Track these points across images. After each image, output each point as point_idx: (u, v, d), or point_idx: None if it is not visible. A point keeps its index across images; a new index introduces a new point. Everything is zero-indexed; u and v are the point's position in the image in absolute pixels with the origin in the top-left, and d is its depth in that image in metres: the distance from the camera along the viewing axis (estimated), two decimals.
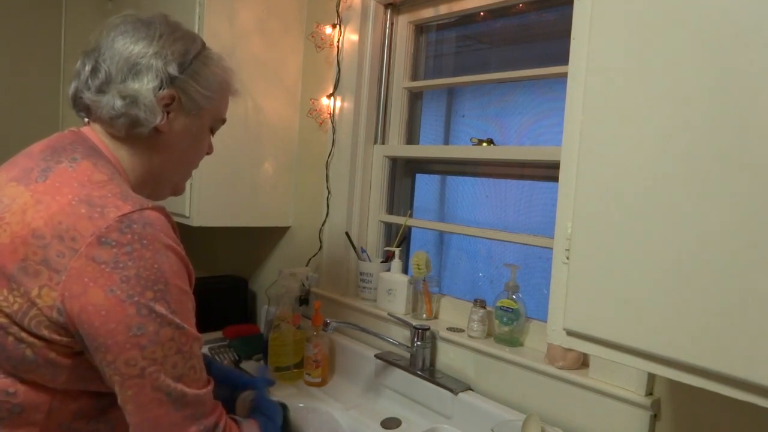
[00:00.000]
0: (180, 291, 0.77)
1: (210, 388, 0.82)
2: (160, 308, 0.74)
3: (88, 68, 0.86)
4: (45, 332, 0.73)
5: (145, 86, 0.84)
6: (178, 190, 1.00)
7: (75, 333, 0.73)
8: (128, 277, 0.72)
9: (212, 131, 0.99)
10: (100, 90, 0.84)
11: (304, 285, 1.72)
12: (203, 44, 0.93)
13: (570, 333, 0.75)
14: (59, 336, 0.73)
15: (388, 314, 1.46)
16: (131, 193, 0.79)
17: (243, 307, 1.98)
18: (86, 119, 0.90)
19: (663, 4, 0.64)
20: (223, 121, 1.00)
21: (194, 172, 1.03)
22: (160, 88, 0.85)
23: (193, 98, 0.90)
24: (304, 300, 1.72)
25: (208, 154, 1.01)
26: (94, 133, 0.87)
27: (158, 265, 0.74)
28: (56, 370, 0.75)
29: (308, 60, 1.81)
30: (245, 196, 1.75)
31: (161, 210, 0.79)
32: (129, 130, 0.86)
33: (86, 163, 0.80)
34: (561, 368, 1.13)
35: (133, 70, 0.84)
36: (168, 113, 0.87)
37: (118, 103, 0.83)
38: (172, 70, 0.86)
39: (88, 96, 0.85)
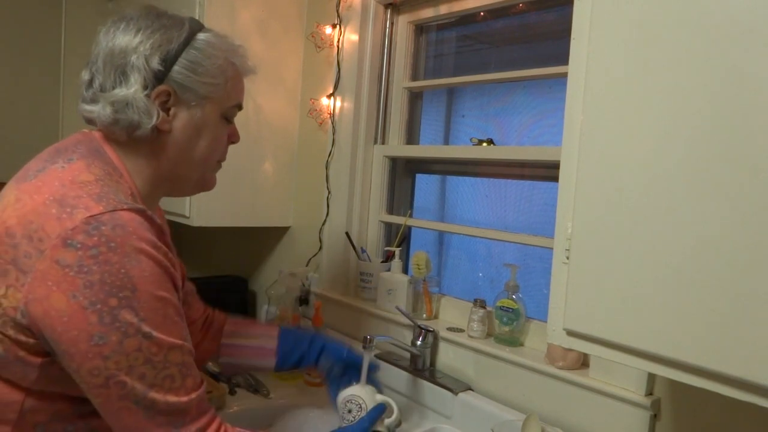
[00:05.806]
0: (152, 297, 0.72)
1: (196, 394, 0.76)
2: (126, 316, 0.70)
3: (86, 78, 0.84)
4: (11, 332, 0.72)
5: (132, 88, 0.80)
6: (207, 185, 0.94)
7: (39, 335, 0.71)
8: (92, 282, 0.68)
9: (228, 119, 0.91)
10: (93, 100, 0.82)
11: (304, 285, 1.72)
12: (192, 29, 0.85)
13: (570, 333, 0.75)
14: (25, 337, 0.72)
15: (396, 307, 1.43)
16: (111, 195, 0.74)
17: (243, 307, 1.97)
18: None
19: (663, 3, 0.64)
20: (239, 106, 0.92)
21: None
22: (147, 87, 0.80)
23: (192, 89, 0.83)
24: (304, 300, 1.72)
25: (233, 143, 0.94)
26: (103, 138, 0.85)
27: (126, 270, 0.70)
28: (26, 368, 0.74)
29: (308, 60, 1.81)
30: (245, 196, 1.74)
31: (139, 211, 0.74)
32: (129, 135, 0.82)
33: (80, 163, 0.77)
34: (561, 368, 1.13)
35: (119, 71, 0.80)
36: (168, 110, 0.83)
37: (108, 110, 0.80)
38: (156, 64, 0.80)
39: (84, 108, 0.83)
